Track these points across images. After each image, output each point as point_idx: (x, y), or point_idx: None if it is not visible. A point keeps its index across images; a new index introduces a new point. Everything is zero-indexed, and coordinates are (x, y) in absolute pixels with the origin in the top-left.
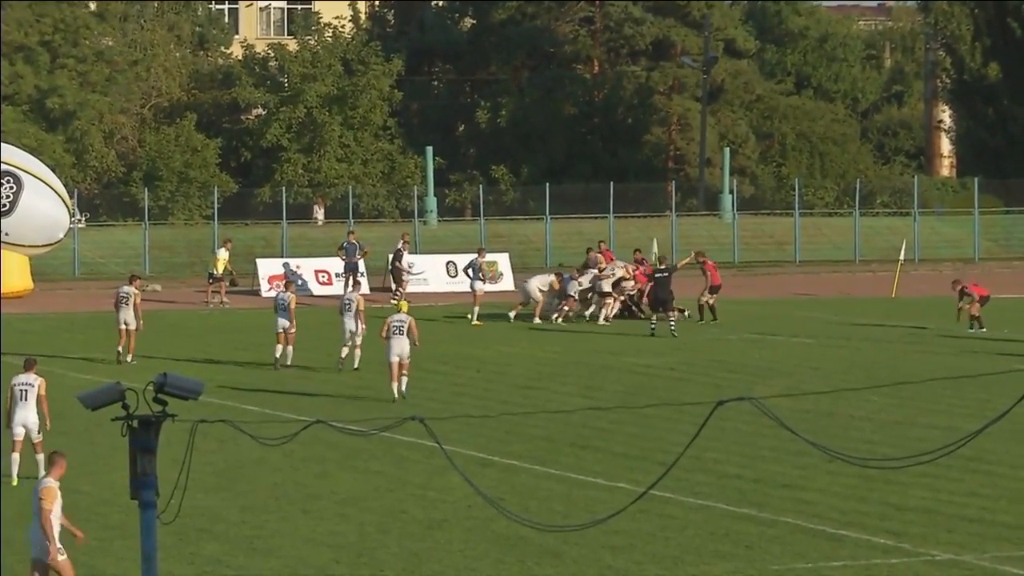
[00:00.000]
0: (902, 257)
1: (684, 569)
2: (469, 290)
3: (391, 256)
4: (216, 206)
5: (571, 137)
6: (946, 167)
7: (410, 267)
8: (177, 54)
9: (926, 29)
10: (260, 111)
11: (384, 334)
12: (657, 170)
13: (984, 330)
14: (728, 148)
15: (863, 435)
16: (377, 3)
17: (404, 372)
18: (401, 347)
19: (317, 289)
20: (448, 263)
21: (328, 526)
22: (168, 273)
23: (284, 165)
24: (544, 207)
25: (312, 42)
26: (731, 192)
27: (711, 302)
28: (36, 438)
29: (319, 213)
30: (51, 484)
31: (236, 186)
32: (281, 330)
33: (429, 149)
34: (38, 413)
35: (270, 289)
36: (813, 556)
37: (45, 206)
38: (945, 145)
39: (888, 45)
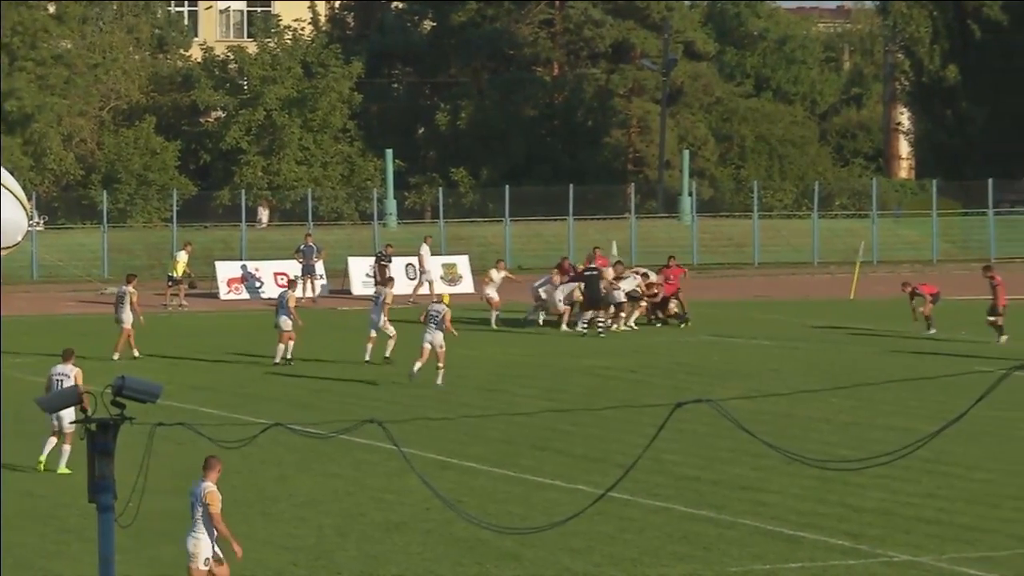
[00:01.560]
0: (861, 259)
1: (643, 571)
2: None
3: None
4: (175, 209)
5: (531, 139)
6: (904, 169)
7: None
8: (136, 56)
9: (885, 31)
10: (219, 114)
11: (424, 321)
12: (617, 172)
13: (933, 331)
14: (687, 150)
15: (821, 437)
16: (337, 5)
17: (439, 363)
18: (434, 336)
19: (276, 291)
20: (407, 265)
21: (286, 528)
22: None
23: (243, 168)
24: (504, 209)
25: (272, 44)
26: (690, 194)
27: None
28: (67, 429)
29: (263, 216)
30: (213, 487)
31: (195, 189)
32: (283, 329)
33: (389, 151)
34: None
35: (228, 292)
36: (771, 557)
37: (3, 209)
38: (903, 147)
39: (847, 47)
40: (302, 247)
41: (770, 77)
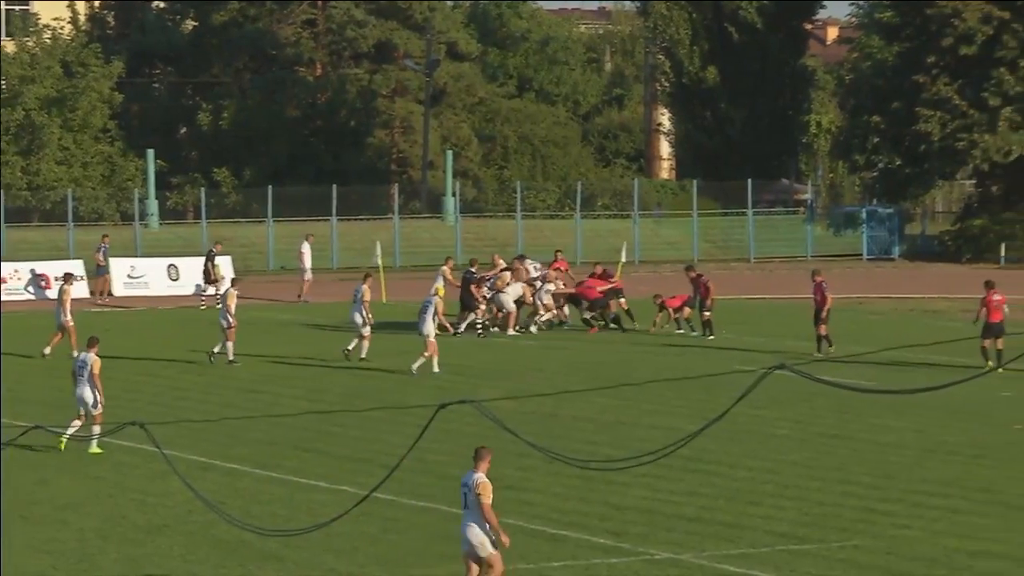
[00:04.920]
0: (623, 259)
1: (407, 571)
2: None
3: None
4: None
5: (294, 139)
6: (665, 170)
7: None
8: None
9: (645, 33)
10: None
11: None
12: (380, 173)
13: (694, 333)
14: (451, 151)
15: (585, 436)
16: (96, 5)
17: (426, 351)
18: (425, 326)
19: (37, 292)
20: (169, 266)
21: (47, 532)
22: None
23: (2, 168)
24: (267, 210)
25: (30, 44)
26: (454, 195)
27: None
28: (93, 411)
29: None
30: (484, 479)
31: None
32: (223, 327)
33: (150, 152)
34: (93, 388)
35: None
36: (534, 557)
37: None
38: (664, 148)
39: (608, 49)
40: (102, 248)
41: (532, 78)
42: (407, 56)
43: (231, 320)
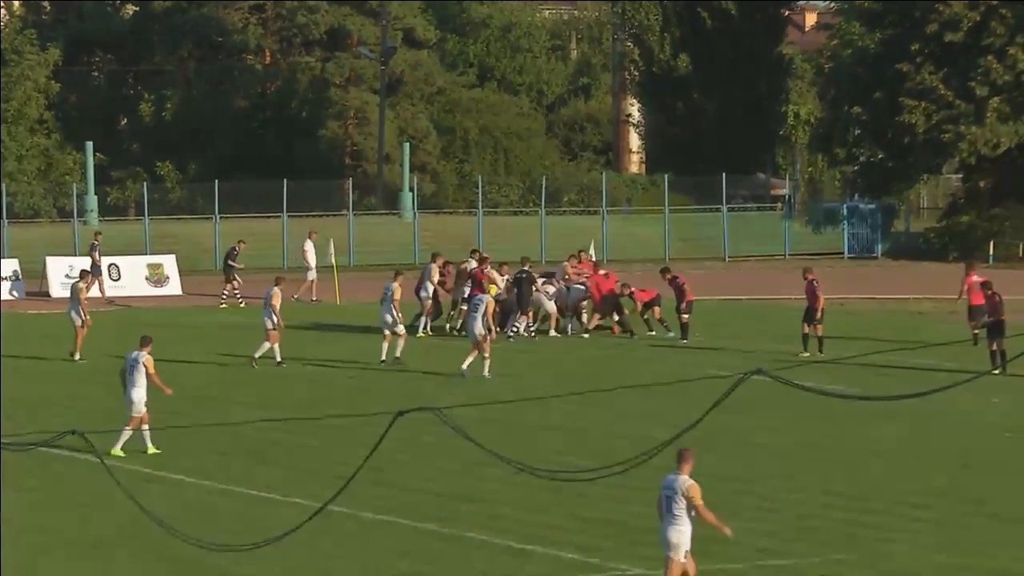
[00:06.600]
0: (593, 258)
1: None
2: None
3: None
4: None
5: (242, 131)
6: (635, 163)
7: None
8: None
9: (613, 19)
10: None
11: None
12: (333, 166)
13: (670, 334)
14: (408, 143)
15: (552, 445)
16: None
17: (484, 353)
18: (472, 326)
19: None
20: (110, 266)
21: None
22: None
23: None
24: (214, 206)
25: None
26: (411, 190)
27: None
28: (139, 412)
29: None
30: (692, 480)
31: None
32: (267, 328)
33: (89, 144)
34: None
35: None
36: (498, 572)
37: None
38: (634, 140)
39: (574, 35)
40: (97, 245)
41: (494, 66)
42: (361, 43)
43: (276, 320)
